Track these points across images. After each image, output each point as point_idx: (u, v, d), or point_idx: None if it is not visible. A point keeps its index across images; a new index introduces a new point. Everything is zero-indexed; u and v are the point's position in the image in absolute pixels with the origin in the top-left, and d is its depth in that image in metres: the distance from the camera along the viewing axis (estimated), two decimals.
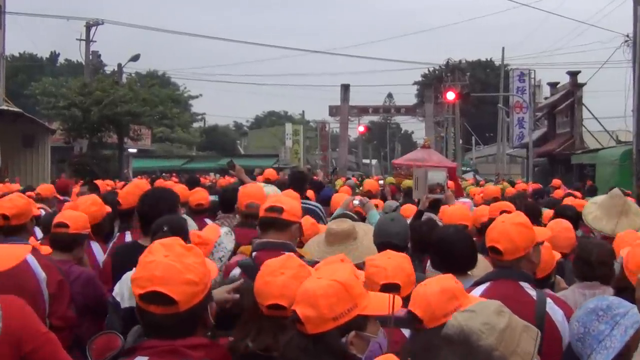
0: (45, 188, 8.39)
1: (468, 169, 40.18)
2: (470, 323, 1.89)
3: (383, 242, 3.64)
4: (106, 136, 26.18)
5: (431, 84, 44.64)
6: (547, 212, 6.49)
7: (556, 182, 14.48)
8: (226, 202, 5.26)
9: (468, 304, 2.12)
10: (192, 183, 9.27)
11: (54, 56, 60.08)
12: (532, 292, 2.79)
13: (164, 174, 24.89)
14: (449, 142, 39.80)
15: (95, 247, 4.38)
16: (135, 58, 31.12)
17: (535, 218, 5.85)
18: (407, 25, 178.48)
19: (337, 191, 9.48)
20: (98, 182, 8.80)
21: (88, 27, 28.47)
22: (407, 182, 10.96)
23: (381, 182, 12.67)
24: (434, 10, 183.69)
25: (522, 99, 31.34)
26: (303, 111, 70.28)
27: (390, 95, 66.17)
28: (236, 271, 3.08)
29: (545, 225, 4.86)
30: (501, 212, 3.68)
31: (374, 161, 68.09)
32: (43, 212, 5.97)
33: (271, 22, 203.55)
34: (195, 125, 60.33)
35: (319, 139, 47.61)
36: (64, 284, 3.30)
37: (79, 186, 9.54)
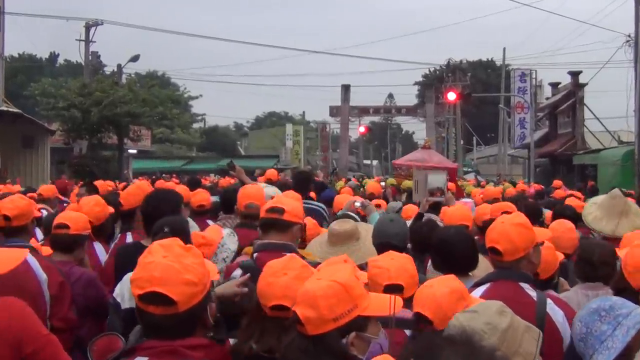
0: (47, 189, 8.42)
1: (469, 169, 40.22)
2: (472, 323, 1.89)
3: (382, 243, 3.64)
4: (106, 137, 26.12)
5: (432, 84, 44.65)
6: (546, 213, 6.49)
7: (557, 183, 14.50)
8: (227, 202, 5.26)
9: (473, 304, 2.12)
10: (194, 184, 9.29)
11: (54, 57, 60.02)
12: (533, 293, 2.78)
13: (163, 175, 24.85)
14: (450, 142, 39.79)
15: (98, 247, 4.39)
16: (135, 58, 31.10)
17: (536, 218, 5.85)
18: (407, 25, 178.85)
19: (338, 192, 9.48)
20: (98, 182, 8.79)
21: (87, 28, 28.43)
22: (407, 183, 10.96)
23: (382, 183, 12.68)
24: (434, 10, 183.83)
25: (523, 99, 31.37)
26: (303, 112, 70.42)
27: (391, 96, 66.11)
28: (237, 272, 3.08)
29: (547, 226, 4.86)
30: (502, 213, 3.67)
31: (374, 162, 68.14)
32: (45, 213, 5.98)
33: (271, 22, 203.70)
34: (195, 126, 60.30)
35: (320, 140, 47.58)
36: (65, 286, 3.30)
37: (78, 187, 9.54)
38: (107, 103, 24.05)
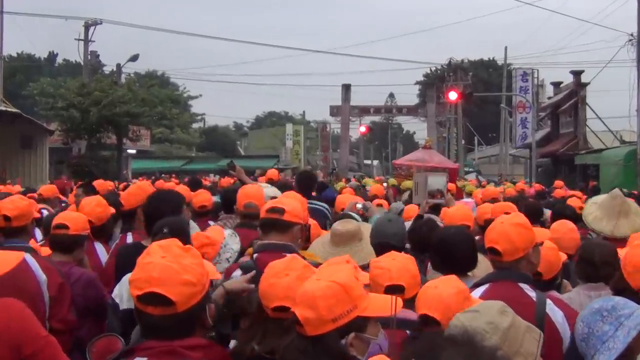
0: (48, 189, 8.41)
1: (470, 169, 40.22)
2: (474, 323, 1.88)
3: (380, 243, 3.64)
4: (105, 137, 26.08)
5: (433, 83, 44.69)
6: (548, 213, 6.48)
7: (558, 183, 14.49)
8: (228, 202, 5.26)
9: (474, 305, 2.12)
10: (195, 184, 9.27)
11: (52, 56, 59.93)
12: (532, 294, 2.77)
13: (163, 175, 24.84)
14: (451, 142, 39.81)
15: (99, 248, 4.39)
16: (134, 58, 31.07)
17: (536, 218, 5.85)
18: (408, 24, 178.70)
19: (339, 192, 9.49)
20: (99, 182, 8.77)
21: (86, 27, 28.40)
22: (407, 183, 10.96)
23: (385, 184, 12.71)
24: (435, 10, 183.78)
25: (525, 99, 31.33)
26: (304, 111, 70.28)
27: (391, 95, 66.08)
28: (237, 273, 3.07)
29: (549, 226, 4.85)
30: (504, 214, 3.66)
31: (375, 162, 68.13)
32: (46, 213, 5.97)
33: (271, 22, 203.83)
34: (195, 125, 60.15)
35: (320, 140, 47.58)
36: (65, 287, 3.29)
37: (76, 188, 9.52)
38: (106, 103, 24.02)
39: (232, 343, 2.44)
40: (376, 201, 7.90)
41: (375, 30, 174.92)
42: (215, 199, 6.51)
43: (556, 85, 33.80)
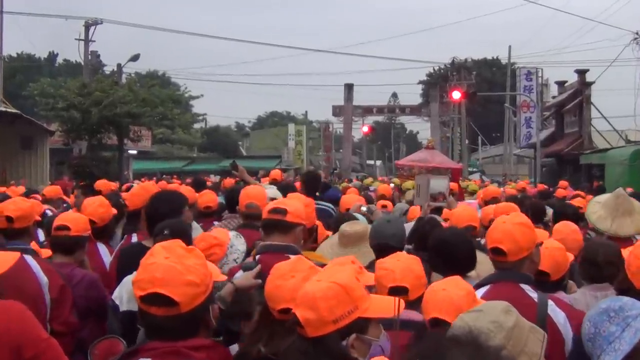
0: (51, 189, 8.46)
1: (474, 169, 40.12)
2: (478, 323, 1.87)
3: (379, 244, 3.62)
4: (106, 137, 25.91)
5: (436, 83, 44.69)
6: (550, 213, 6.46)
7: (563, 183, 14.44)
8: (232, 202, 5.26)
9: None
10: (199, 185, 9.25)
11: (53, 56, 59.79)
12: (534, 295, 2.76)
13: (164, 176, 24.83)
14: (454, 142, 39.72)
15: (102, 248, 4.38)
16: (135, 58, 30.92)
17: (539, 217, 5.83)
18: (410, 23, 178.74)
19: (343, 192, 9.47)
20: (101, 182, 8.77)
21: (87, 27, 28.28)
22: (408, 184, 10.93)
23: (392, 185, 12.71)
24: (438, 9, 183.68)
25: (529, 98, 31.21)
26: (306, 111, 70.54)
27: (394, 95, 66.19)
28: (239, 274, 3.07)
29: (552, 226, 4.84)
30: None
31: (378, 162, 68.00)
32: (50, 213, 5.98)
33: (271, 22, 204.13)
34: (196, 126, 59.98)
35: (322, 140, 47.64)
36: (66, 289, 3.28)
37: (77, 191, 9.52)
38: (107, 103, 23.92)
39: (234, 347, 2.43)
40: (381, 202, 7.89)
41: (376, 29, 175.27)
42: (219, 199, 6.51)
43: (561, 84, 33.70)
